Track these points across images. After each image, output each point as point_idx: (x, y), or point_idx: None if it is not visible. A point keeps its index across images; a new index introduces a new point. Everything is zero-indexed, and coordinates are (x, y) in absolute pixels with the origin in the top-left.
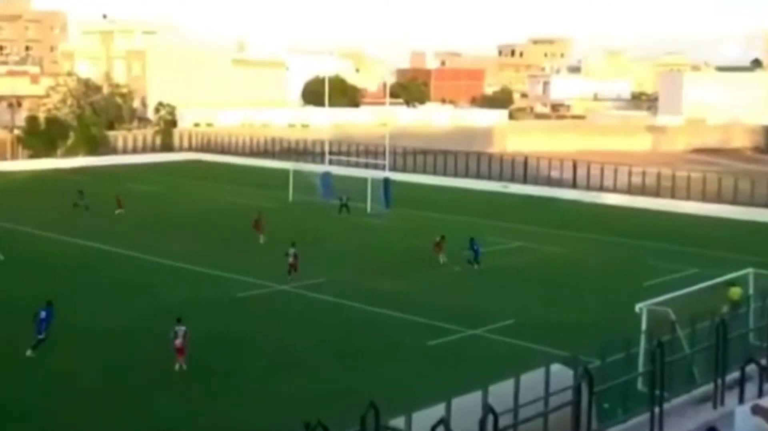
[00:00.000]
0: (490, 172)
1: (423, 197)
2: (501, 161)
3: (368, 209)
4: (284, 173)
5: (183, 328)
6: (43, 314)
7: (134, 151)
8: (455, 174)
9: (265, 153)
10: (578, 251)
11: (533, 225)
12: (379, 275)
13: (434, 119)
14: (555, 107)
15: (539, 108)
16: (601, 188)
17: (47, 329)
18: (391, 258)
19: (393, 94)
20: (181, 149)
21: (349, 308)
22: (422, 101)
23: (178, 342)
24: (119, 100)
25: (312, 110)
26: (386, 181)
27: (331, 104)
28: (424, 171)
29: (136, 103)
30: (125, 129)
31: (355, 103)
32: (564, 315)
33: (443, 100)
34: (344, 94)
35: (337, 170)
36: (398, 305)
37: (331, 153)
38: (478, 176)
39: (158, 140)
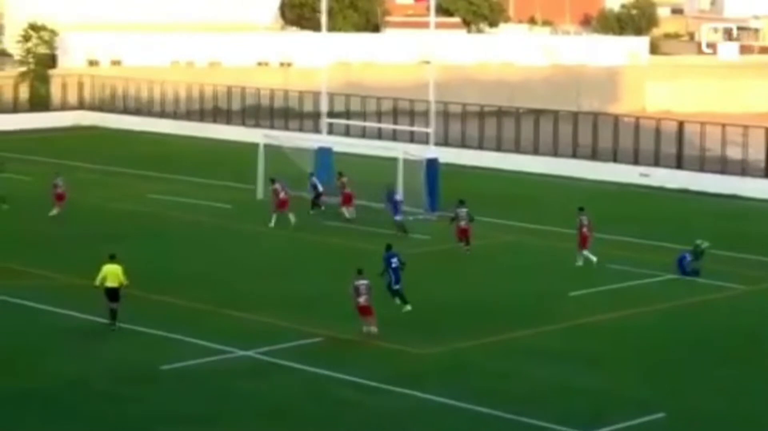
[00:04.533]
0: (617, 148)
1: (494, 192)
2: (636, 129)
3: (394, 214)
4: (249, 149)
5: (365, 282)
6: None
7: None
8: (554, 153)
9: (216, 114)
10: None
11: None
12: (411, 328)
13: (516, 55)
14: (733, 34)
15: (705, 34)
16: None
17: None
18: (440, 299)
19: (442, 10)
20: (65, 107)
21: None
22: (494, 22)
23: (362, 299)
24: None
25: (298, 38)
26: (431, 164)
27: (332, 28)
28: (498, 147)
29: None
30: None
31: (375, 26)
32: (755, 406)
33: (532, 21)
34: (355, 11)
35: (342, 145)
36: (448, 381)
37: (332, 115)
38: (594, 155)
39: (25, 91)
